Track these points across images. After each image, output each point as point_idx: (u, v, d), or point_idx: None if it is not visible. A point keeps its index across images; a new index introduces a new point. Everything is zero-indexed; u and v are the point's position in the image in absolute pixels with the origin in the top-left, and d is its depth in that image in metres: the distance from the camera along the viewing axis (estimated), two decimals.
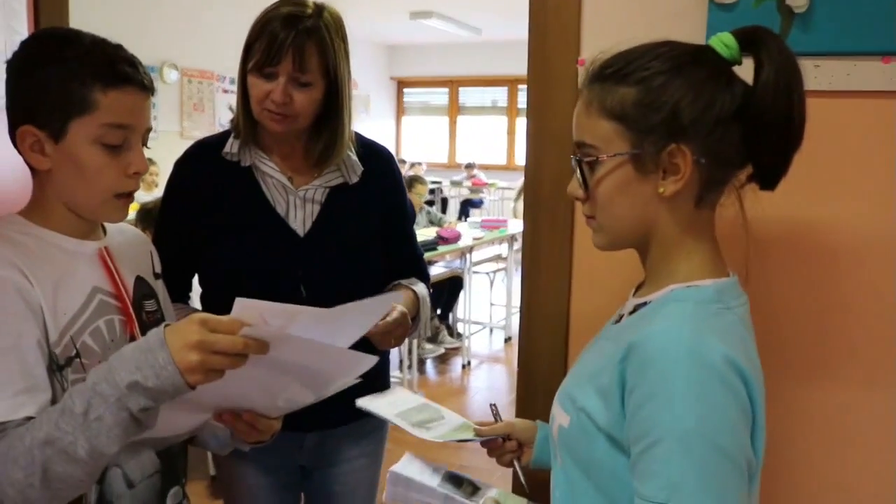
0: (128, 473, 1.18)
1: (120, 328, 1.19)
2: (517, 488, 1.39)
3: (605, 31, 1.40)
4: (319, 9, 1.52)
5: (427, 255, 4.44)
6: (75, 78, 1.09)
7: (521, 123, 11.60)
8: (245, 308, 0.98)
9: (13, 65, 1.14)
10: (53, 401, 1.04)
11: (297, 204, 1.60)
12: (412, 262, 1.78)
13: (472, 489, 1.31)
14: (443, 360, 5.63)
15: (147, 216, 3.32)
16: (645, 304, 1.04)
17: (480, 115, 11.93)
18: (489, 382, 5.37)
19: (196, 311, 1.67)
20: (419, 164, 10.49)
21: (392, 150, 1.91)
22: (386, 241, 1.69)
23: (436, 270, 5.47)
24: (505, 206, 10.29)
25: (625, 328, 1.04)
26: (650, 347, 0.92)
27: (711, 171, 0.99)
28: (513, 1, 8.14)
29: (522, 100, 11.57)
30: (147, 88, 1.16)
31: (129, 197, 1.18)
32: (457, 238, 5.38)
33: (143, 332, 1.21)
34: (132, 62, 1.14)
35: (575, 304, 1.48)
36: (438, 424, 1.37)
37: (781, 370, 1.34)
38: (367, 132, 1.77)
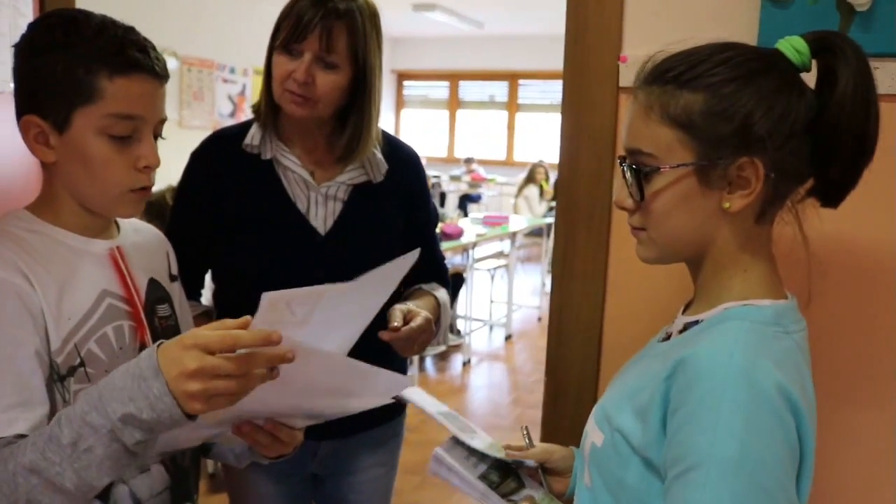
0: (135, 491, 1.10)
1: (130, 335, 1.11)
2: None
3: (648, 27, 1.33)
4: None
5: None
6: (80, 64, 1.01)
7: (521, 119, 11.54)
8: (272, 302, 0.88)
9: (19, 49, 1.05)
10: (53, 413, 0.97)
11: (319, 201, 1.53)
12: (434, 266, 1.71)
13: (517, 485, 1.22)
14: (443, 357, 5.56)
15: (150, 209, 3.23)
16: (696, 322, 0.97)
17: (480, 110, 11.85)
18: (489, 380, 5.31)
19: (207, 309, 1.59)
20: None
21: None
22: (408, 244, 1.62)
23: None
24: (504, 201, 10.22)
25: (673, 346, 0.97)
26: (698, 366, 0.85)
27: (778, 185, 0.92)
28: None
29: (523, 95, 11.51)
30: (159, 75, 1.07)
31: (144, 192, 1.10)
32: (459, 234, 5.31)
33: (155, 339, 1.13)
34: (142, 47, 1.05)
35: (609, 311, 1.41)
36: (476, 436, 1.29)
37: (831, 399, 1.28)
38: None
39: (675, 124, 0.91)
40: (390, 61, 11.99)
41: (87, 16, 1.06)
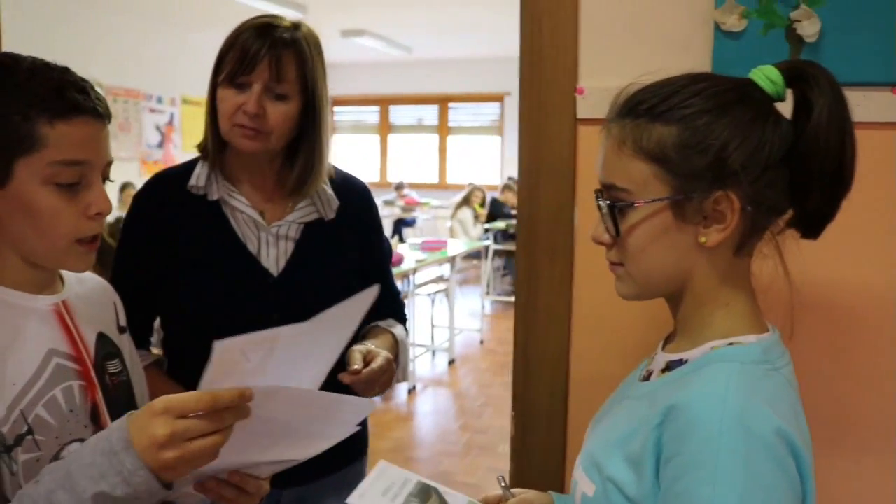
0: None
1: (80, 395, 1.04)
2: None
3: (604, 59, 1.33)
4: (296, 24, 1.43)
5: None
6: (16, 111, 0.94)
7: (453, 142, 11.61)
8: (225, 351, 0.83)
9: None
10: None
11: (270, 241, 1.48)
12: (390, 302, 1.67)
13: (440, 501, 1.19)
14: None
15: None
16: (680, 361, 0.94)
17: (411, 133, 11.87)
18: (435, 406, 5.26)
19: (158, 358, 1.52)
20: None
21: None
22: (364, 281, 1.58)
23: None
24: (439, 224, 10.23)
25: (659, 389, 0.94)
26: (692, 413, 0.82)
27: (756, 218, 0.90)
28: (444, 20, 8.23)
29: (453, 118, 11.59)
30: (102, 116, 1.01)
31: (93, 242, 1.03)
32: (399, 261, 5.27)
33: (107, 399, 1.07)
34: (82, 87, 0.99)
35: (575, 344, 1.39)
36: None
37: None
38: None
39: (649, 158, 0.90)
40: None
41: (14, 59, 0.99)
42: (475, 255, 7.84)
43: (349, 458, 1.61)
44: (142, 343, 1.52)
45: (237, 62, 1.36)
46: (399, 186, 10.88)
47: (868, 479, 1.29)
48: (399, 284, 5.82)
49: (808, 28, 1.21)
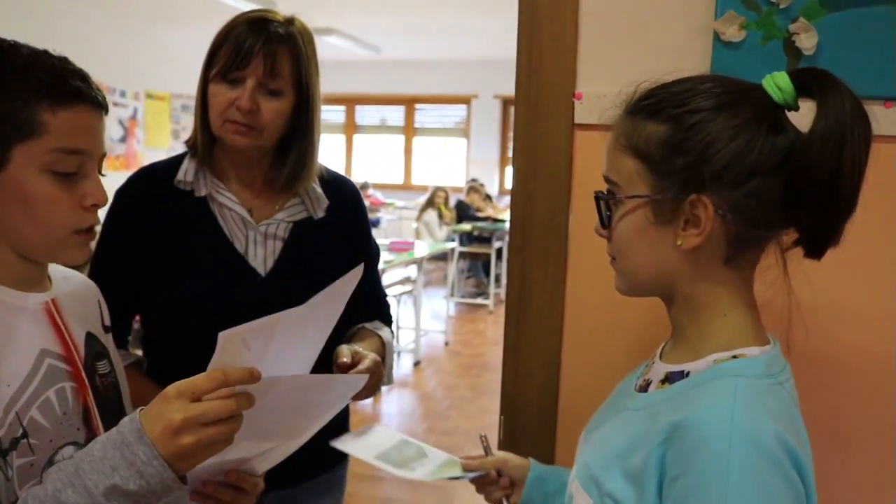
0: None
1: (73, 397, 1.00)
2: None
3: (603, 65, 1.33)
4: (290, 18, 1.41)
5: None
6: (17, 96, 0.92)
7: (419, 143, 11.59)
8: (227, 340, 0.84)
9: None
10: None
11: (258, 240, 1.45)
12: (377, 304, 1.65)
13: (420, 454, 1.26)
14: None
15: None
16: (682, 373, 0.92)
17: (378, 134, 11.82)
18: (401, 408, 5.23)
19: (138, 358, 1.48)
20: None
21: None
22: None
23: None
24: (404, 225, 10.19)
25: (660, 402, 0.91)
26: (700, 432, 0.80)
27: (741, 228, 0.87)
28: (413, 21, 8.20)
29: (420, 119, 11.56)
30: (101, 106, 1.00)
31: (89, 233, 1.01)
32: None
33: (98, 400, 1.04)
34: (83, 76, 0.99)
35: (567, 349, 1.39)
36: (422, 463, 1.26)
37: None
38: None
39: (636, 155, 0.91)
40: None
41: (12, 45, 0.97)
42: (439, 257, 7.83)
43: (331, 462, 1.59)
44: (120, 342, 1.48)
45: (230, 57, 1.33)
46: (364, 186, 10.81)
47: (868, 484, 1.30)
48: None
49: (806, 41, 1.22)
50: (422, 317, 6.42)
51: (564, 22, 1.33)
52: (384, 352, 1.56)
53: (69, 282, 1.12)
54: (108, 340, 1.15)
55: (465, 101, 11.10)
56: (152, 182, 1.45)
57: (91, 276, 1.45)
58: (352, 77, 11.46)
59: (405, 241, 6.51)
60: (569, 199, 1.35)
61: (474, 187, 9.66)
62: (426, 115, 11.62)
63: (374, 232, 7.55)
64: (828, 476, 1.20)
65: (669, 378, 0.94)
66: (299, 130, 1.43)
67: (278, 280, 1.44)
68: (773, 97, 0.89)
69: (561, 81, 1.34)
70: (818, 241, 0.89)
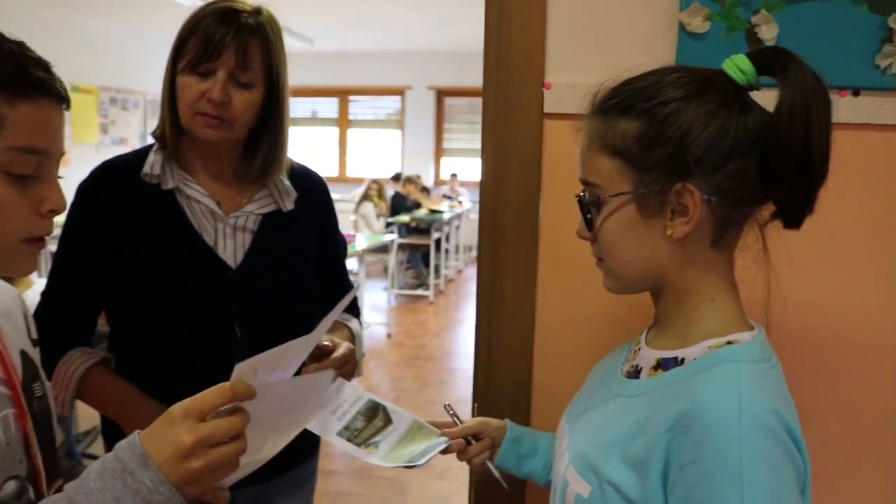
0: None
1: (14, 425, 0.89)
2: (491, 487, 1.28)
3: (571, 55, 1.35)
4: (258, 8, 1.39)
5: None
6: None
7: (353, 135, 11.51)
8: (242, 374, 0.82)
9: None
10: None
11: (227, 233, 1.43)
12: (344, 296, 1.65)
13: (384, 423, 1.24)
14: None
15: None
16: (676, 360, 0.94)
17: (310, 126, 11.69)
18: None
19: (105, 356, 1.44)
20: None
21: None
22: (321, 275, 1.55)
23: None
24: (341, 218, 10.06)
25: (658, 390, 0.93)
26: (708, 418, 0.82)
27: (726, 209, 0.90)
28: (347, 12, 8.12)
29: (353, 111, 11.48)
30: (64, 100, 0.89)
31: (41, 242, 0.90)
32: None
33: (35, 427, 0.94)
34: (45, 65, 0.87)
35: (539, 337, 1.41)
36: (386, 435, 1.24)
37: None
38: None
39: (613, 153, 0.92)
40: None
41: None
42: (378, 249, 7.82)
43: (303, 456, 1.58)
44: (84, 341, 1.45)
45: (200, 49, 1.31)
46: None
47: (868, 481, 1.34)
48: None
49: (767, 32, 1.27)
50: (366, 309, 6.40)
51: (533, 12, 1.34)
52: (354, 342, 1.56)
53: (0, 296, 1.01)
54: (36, 355, 1.04)
55: (400, 92, 11.08)
56: (116, 176, 1.42)
57: (53, 274, 1.41)
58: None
59: (347, 234, 6.46)
60: (539, 188, 1.37)
61: (411, 178, 9.66)
62: (360, 107, 11.55)
63: None
64: (826, 468, 1.24)
65: (662, 364, 0.96)
66: (269, 122, 1.41)
67: (249, 272, 1.43)
68: (735, 80, 0.92)
69: (530, 71, 1.36)
70: (796, 211, 0.92)
